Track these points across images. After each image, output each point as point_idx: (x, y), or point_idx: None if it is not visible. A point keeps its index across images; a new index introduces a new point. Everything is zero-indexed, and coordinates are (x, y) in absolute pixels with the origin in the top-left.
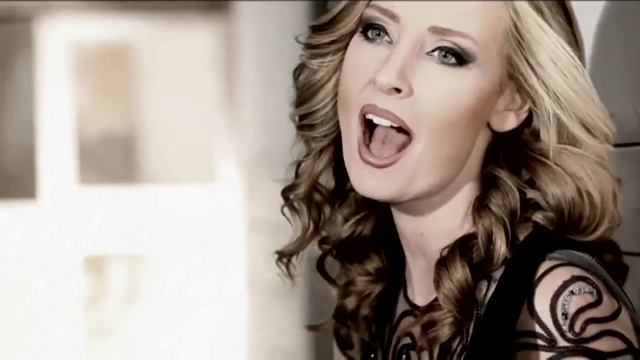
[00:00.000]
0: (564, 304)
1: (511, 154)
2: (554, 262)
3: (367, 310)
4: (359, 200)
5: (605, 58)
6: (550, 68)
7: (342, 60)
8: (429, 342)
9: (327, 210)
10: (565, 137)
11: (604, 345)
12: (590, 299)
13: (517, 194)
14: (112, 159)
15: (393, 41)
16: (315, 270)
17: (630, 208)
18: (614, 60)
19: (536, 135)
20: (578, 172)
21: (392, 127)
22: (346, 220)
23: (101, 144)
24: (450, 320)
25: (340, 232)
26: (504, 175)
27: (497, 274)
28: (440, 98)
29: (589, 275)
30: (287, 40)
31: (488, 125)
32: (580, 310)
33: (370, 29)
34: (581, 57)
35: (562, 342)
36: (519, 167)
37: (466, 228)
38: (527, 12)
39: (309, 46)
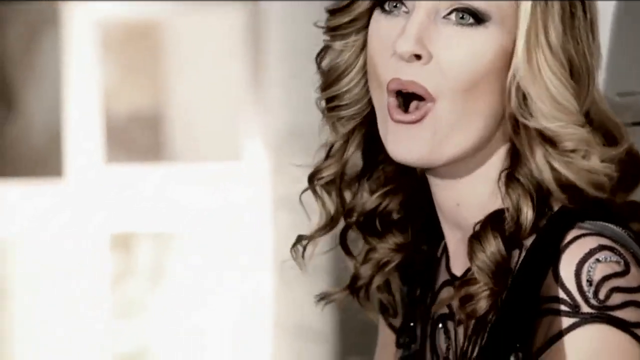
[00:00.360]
0: (589, 271)
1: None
2: (582, 231)
3: (380, 281)
4: (388, 174)
5: (625, 34)
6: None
7: (366, 39)
8: (467, 315)
9: (352, 190)
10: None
11: (628, 314)
12: (617, 268)
13: (545, 163)
14: (138, 137)
15: (410, 10)
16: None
17: None
18: (633, 37)
19: None
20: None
21: (419, 96)
22: (372, 193)
23: (128, 123)
24: (486, 293)
25: (366, 205)
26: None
27: (528, 242)
28: (461, 59)
29: (617, 247)
30: (315, 17)
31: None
32: (606, 278)
33: (387, 1)
34: (593, 27)
35: (585, 309)
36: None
37: (498, 202)
38: None
39: (329, 29)
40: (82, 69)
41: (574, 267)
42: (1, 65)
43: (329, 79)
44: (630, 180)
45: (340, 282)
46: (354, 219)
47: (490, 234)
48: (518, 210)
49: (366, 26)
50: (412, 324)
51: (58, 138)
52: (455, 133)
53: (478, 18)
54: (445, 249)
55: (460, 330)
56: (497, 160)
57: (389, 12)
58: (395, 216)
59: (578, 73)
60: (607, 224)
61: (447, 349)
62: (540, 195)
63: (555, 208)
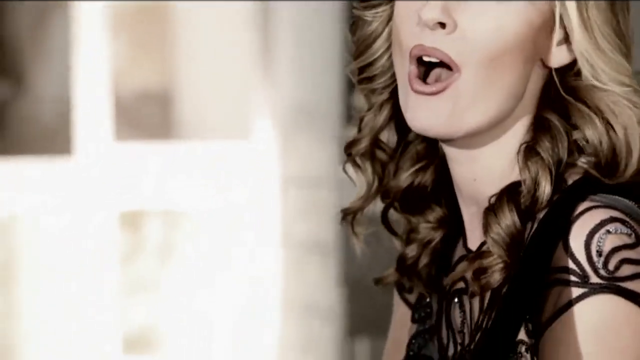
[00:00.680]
0: (599, 242)
1: (560, 95)
2: (594, 203)
3: (427, 259)
4: (420, 151)
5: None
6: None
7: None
8: (481, 288)
9: (389, 165)
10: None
11: (637, 286)
12: (627, 240)
13: (566, 139)
14: (148, 115)
15: None
16: (351, 225)
17: None
18: None
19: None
20: (605, 111)
21: (441, 64)
22: (406, 170)
23: (137, 100)
24: (500, 266)
25: (400, 183)
26: (555, 119)
27: (541, 215)
28: (485, 31)
29: (628, 219)
30: None
31: (543, 62)
32: (616, 249)
33: None
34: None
35: (594, 279)
36: (568, 110)
37: (515, 174)
38: None
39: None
40: (91, 46)
41: (584, 238)
42: (11, 43)
43: (359, 48)
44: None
45: (349, 261)
46: (391, 198)
47: (506, 207)
48: (536, 184)
49: None
50: (428, 300)
51: (67, 116)
52: (476, 106)
53: None
54: (462, 225)
55: (476, 304)
56: (516, 134)
57: None
58: (430, 191)
59: (626, 45)
60: (619, 197)
61: (462, 323)
62: (558, 169)
63: (570, 182)
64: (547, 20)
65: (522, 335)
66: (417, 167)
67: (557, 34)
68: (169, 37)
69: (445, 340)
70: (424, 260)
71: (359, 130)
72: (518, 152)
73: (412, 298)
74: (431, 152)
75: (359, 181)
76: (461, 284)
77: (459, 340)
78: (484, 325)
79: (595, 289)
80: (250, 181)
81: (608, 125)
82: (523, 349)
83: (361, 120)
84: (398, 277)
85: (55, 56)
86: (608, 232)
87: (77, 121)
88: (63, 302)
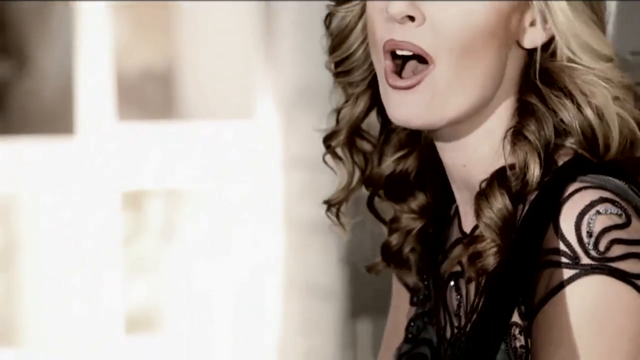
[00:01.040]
0: (590, 223)
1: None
2: (583, 184)
3: (410, 246)
4: (402, 139)
5: None
6: None
7: (365, 4)
8: (476, 272)
9: (373, 153)
10: (565, 60)
11: (629, 266)
12: (617, 220)
13: (551, 121)
14: (150, 94)
15: None
16: (352, 207)
17: None
18: None
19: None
20: (579, 91)
21: (416, 56)
22: (389, 158)
23: (140, 80)
24: (494, 250)
25: (383, 170)
26: (538, 102)
27: (532, 197)
28: (454, 20)
29: (618, 199)
30: None
31: (519, 44)
32: (606, 229)
33: None
34: None
35: (585, 260)
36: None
37: (505, 157)
38: None
39: None
40: (94, 26)
41: (574, 219)
42: (13, 22)
43: (335, 42)
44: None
45: (351, 242)
46: (374, 185)
47: (497, 191)
48: (525, 167)
49: None
50: (426, 283)
51: (70, 95)
52: (455, 95)
53: None
54: (457, 209)
55: (472, 287)
56: (501, 119)
57: None
58: (413, 178)
59: (601, 22)
60: (609, 177)
61: (458, 306)
62: (547, 151)
63: (560, 163)
64: (514, 3)
65: (515, 317)
66: (399, 154)
67: (530, 14)
68: (171, 17)
69: (442, 323)
70: (407, 247)
71: (337, 122)
72: (505, 137)
73: (411, 281)
74: (414, 139)
75: (340, 172)
76: (457, 267)
77: (455, 323)
78: (478, 308)
79: (586, 270)
80: (252, 161)
81: (582, 105)
82: (517, 331)
83: (338, 112)
84: (384, 265)
85: (57, 36)
86: (598, 212)
87: (79, 101)
88: (65, 282)
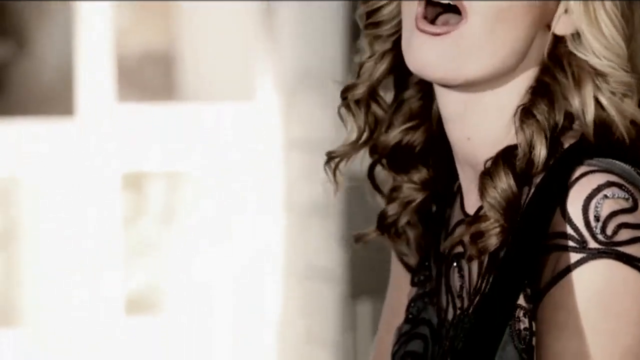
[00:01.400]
0: (597, 207)
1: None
2: (590, 168)
3: (406, 219)
4: (413, 110)
5: None
6: None
7: None
8: (478, 251)
9: (382, 120)
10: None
11: (635, 250)
12: (624, 204)
13: (563, 104)
14: (150, 76)
15: None
16: (354, 188)
17: None
18: None
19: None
20: (589, 83)
21: (450, 9)
22: (397, 127)
23: (140, 61)
24: (497, 230)
25: (390, 139)
26: (555, 84)
27: (538, 180)
28: None
29: (625, 183)
30: None
31: (549, 28)
32: (613, 214)
33: None
34: None
35: (592, 244)
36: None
37: (510, 137)
38: None
39: None
40: (94, 7)
41: (581, 203)
42: (13, 4)
43: None
44: None
45: (351, 223)
46: (379, 154)
47: (502, 170)
48: (531, 147)
49: None
50: (427, 263)
51: (69, 76)
52: (478, 55)
53: None
54: (460, 189)
55: (474, 268)
56: (514, 96)
57: None
58: (418, 151)
59: (626, 19)
60: (615, 161)
61: (461, 287)
62: (554, 133)
63: (566, 145)
64: None
65: (520, 300)
66: (408, 125)
67: (564, 3)
68: None
69: (444, 304)
70: (403, 220)
71: (358, 75)
72: (515, 114)
73: (411, 261)
74: (425, 112)
75: (350, 127)
76: (460, 248)
77: (458, 305)
78: (483, 290)
79: (593, 254)
80: (252, 144)
81: (594, 95)
82: (521, 313)
83: (361, 66)
84: (378, 234)
85: (57, 17)
86: (605, 196)
87: (79, 82)
88: (65, 264)
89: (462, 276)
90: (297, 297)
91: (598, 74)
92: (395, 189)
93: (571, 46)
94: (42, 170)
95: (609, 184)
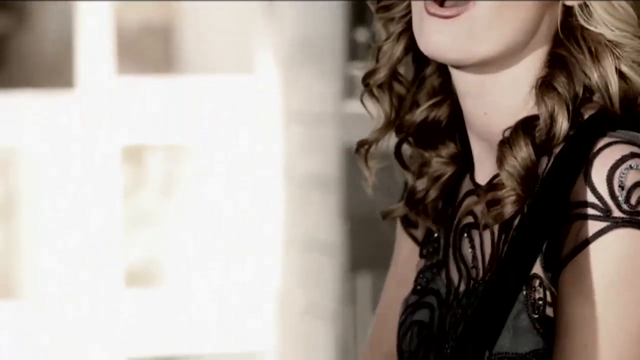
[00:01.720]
0: (621, 177)
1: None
2: (613, 139)
3: (435, 194)
4: (435, 86)
5: None
6: None
7: None
8: (493, 219)
9: (406, 98)
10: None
11: None
12: None
13: (582, 76)
14: (150, 48)
15: None
16: (354, 162)
17: None
18: None
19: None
20: (606, 54)
21: None
22: (421, 105)
23: (140, 34)
24: (513, 198)
25: (415, 117)
26: (571, 55)
27: (557, 150)
28: None
29: None
30: None
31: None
32: (637, 184)
33: None
34: None
35: (617, 213)
36: (583, 53)
37: (529, 108)
38: None
39: None
40: None
41: (605, 173)
42: None
43: None
44: None
45: (352, 197)
46: (406, 132)
47: (522, 140)
48: (553, 119)
49: None
50: (436, 235)
51: (70, 49)
52: (489, 35)
53: None
54: (472, 161)
55: (486, 238)
56: (530, 70)
57: None
58: (444, 126)
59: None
60: (636, 133)
61: (474, 258)
62: (574, 105)
63: (586, 116)
64: None
65: (537, 269)
66: (432, 101)
67: None
68: None
69: (454, 276)
70: (432, 195)
71: (377, 60)
72: (535, 87)
73: (418, 234)
74: (447, 87)
75: (377, 112)
76: (470, 219)
77: (473, 275)
78: (497, 259)
79: (617, 223)
80: (252, 116)
81: (612, 66)
82: (537, 282)
83: (379, 50)
84: (406, 210)
85: None
86: (630, 167)
87: (79, 55)
88: (65, 235)
89: (473, 247)
90: (297, 269)
91: (615, 45)
92: (425, 163)
93: (581, 19)
94: (42, 142)
95: (633, 155)
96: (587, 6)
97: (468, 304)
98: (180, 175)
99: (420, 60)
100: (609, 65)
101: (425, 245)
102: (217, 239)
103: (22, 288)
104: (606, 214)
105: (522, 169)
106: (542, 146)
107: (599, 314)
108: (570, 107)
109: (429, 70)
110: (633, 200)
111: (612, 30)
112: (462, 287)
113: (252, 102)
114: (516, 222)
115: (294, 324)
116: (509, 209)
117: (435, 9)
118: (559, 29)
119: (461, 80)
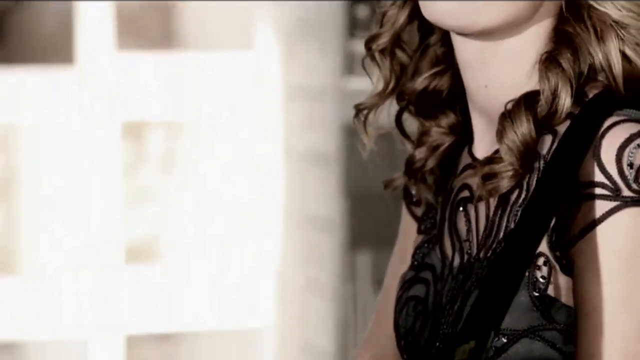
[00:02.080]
0: (630, 156)
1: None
2: (621, 117)
3: (433, 163)
4: (438, 55)
5: None
6: None
7: None
8: (488, 192)
9: (408, 66)
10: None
11: None
12: None
13: (587, 55)
14: (150, 24)
15: None
16: (354, 138)
17: None
18: None
19: None
20: (611, 32)
21: None
22: (423, 73)
23: (140, 10)
24: (510, 173)
25: (416, 85)
26: (577, 32)
27: (562, 129)
28: None
29: None
30: None
31: None
32: None
33: None
34: None
35: (626, 192)
36: (588, 32)
37: (531, 84)
38: None
39: None
40: None
41: (614, 152)
42: None
43: None
44: None
45: (351, 173)
46: (406, 100)
47: (524, 115)
48: (555, 96)
49: None
50: (434, 210)
51: (69, 25)
52: (494, 3)
53: None
54: (471, 135)
55: (481, 212)
56: (534, 44)
57: None
58: (445, 96)
59: None
60: None
61: (468, 232)
62: (578, 83)
63: (590, 95)
64: None
65: (543, 248)
66: (434, 70)
67: None
68: None
69: (448, 250)
70: (430, 164)
71: (381, 25)
72: (539, 62)
73: (418, 211)
74: (450, 57)
75: (376, 77)
76: (466, 193)
77: (467, 249)
78: (493, 234)
79: (627, 202)
80: (252, 92)
81: (616, 46)
82: (541, 261)
83: (383, 15)
84: (405, 179)
85: None
86: (638, 146)
87: (79, 30)
88: (64, 211)
89: (468, 220)
90: (296, 246)
91: (620, 26)
92: (425, 132)
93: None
94: (42, 119)
95: None
96: None
97: (465, 279)
98: (180, 151)
99: (425, 28)
100: (612, 47)
101: (424, 222)
102: (216, 216)
103: (22, 265)
104: (616, 193)
105: (522, 145)
106: (542, 122)
107: (615, 293)
108: (574, 85)
109: (433, 38)
110: None
111: (619, 10)
112: (457, 261)
113: (252, 78)
114: (513, 197)
115: (293, 301)
116: (505, 183)
117: None
118: (564, 5)
119: (462, 49)
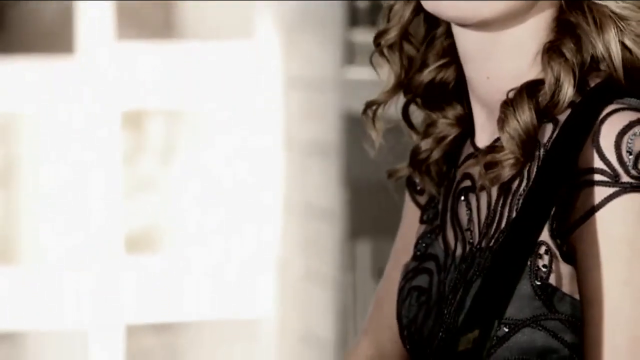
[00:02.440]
0: (629, 143)
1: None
2: (620, 106)
3: (438, 155)
4: (445, 48)
5: None
6: None
7: None
8: (490, 181)
9: (416, 58)
10: None
11: None
12: None
13: (589, 45)
14: (150, 14)
15: None
16: (354, 129)
17: None
18: None
19: None
20: (611, 24)
21: None
22: (430, 66)
23: (139, 0)
24: (511, 161)
25: (423, 77)
26: (579, 22)
27: (563, 118)
28: None
29: None
30: None
31: None
32: None
33: None
34: None
35: (625, 178)
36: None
37: (532, 75)
38: None
39: None
40: None
41: (613, 138)
42: None
43: None
44: None
45: (351, 163)
46: (413, 92)
47: (526, 103)
48: (558, 85)
49: None
50: (437, 201)
51: (69, 14)
52: None
53: None
54: (473, 126)
55: (483, 201)
56: (535, 34)
57: None
58: (451, 88)
59: None
60: None
61: (469, 221)
62: (580, 72)
63: (592, 84)
64: None
65: (544, 236)
66: (441, 62)
67: None
68: None
69: (451, 240)
70: (435, 155)
71: (388, 20)
72: (542, 52)
73: (422, 200)
74: (456, 49)
75: (387, 73)
76: (467, 182)
77: (468, 239)
78: (495, 223)
79: (626, 188)
80: (252, 82)
81: (617, 37)
82: (543, 249)
83: (390, 9)
84: (410, 170)
85: None
86: (637, 133)
87: (79, 20)
88: (65, 201)
89: (469, 210)
90: (296, 236)
91: (620, 17)
92: (431, 124)
93: None
94: (42, 107)
95: None
96: None
97: (467, 268)
98: (179, 141)
99: (430, 20)
100: (612, 37)
101: (426, 211)
102: (216, 205)
103: (22, 254)
104: (615, 179)
105: (523, 133)
106: (544, 110)
107: (617, 278)
108: (577, 74)
109: (439, 31)
110: None
111: (618, 2)
112: (459, 251)
113: (252, 67)
114: (514, 186)
115: (293, 290)
116: (506, 172)
117: None
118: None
119: (463, 40)
